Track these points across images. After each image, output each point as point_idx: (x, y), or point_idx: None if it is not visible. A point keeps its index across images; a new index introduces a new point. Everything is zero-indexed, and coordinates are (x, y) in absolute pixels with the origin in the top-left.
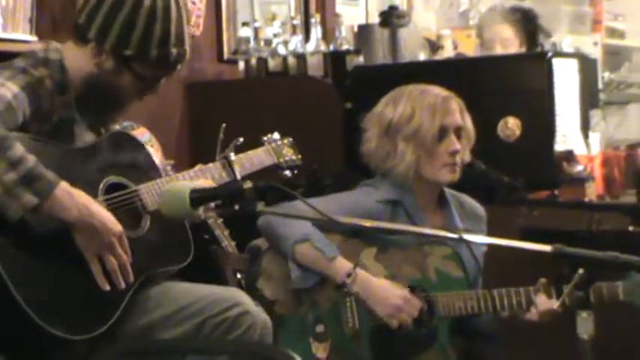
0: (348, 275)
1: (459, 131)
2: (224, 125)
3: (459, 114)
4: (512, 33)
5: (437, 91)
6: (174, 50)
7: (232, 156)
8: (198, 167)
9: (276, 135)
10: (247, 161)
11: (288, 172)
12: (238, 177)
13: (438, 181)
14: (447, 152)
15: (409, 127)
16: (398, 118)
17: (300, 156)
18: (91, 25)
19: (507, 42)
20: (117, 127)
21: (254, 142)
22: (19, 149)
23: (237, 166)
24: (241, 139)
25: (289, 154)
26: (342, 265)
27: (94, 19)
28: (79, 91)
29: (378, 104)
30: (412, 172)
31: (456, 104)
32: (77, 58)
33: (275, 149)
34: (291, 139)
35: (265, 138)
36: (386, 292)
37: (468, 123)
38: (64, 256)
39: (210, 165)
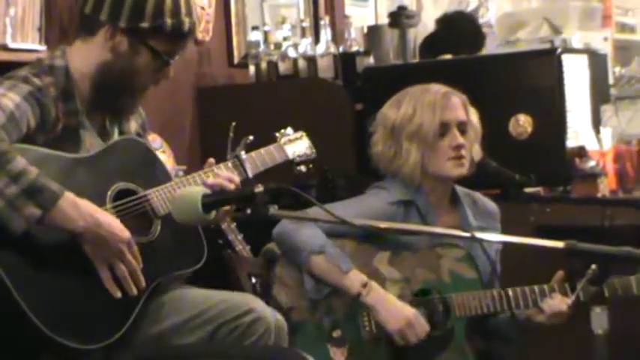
0: (364, 285)
1: (463, 126)
2: (234, 124)
3: (461, 109)
4: None
5: (437, 88)
6: (186, 19)
7: (243, 154)
8: (207, 165)
9: (289, 130)
10: (259, 159)
11: (303, 168)
12: (250, 175)
13: (445, 175)
14: (450, 147)
15: (411, 126)
16: (401, 119)
17: (314, 150)
18: (101, 9)
19: None
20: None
21: (266, 143)
22: (20, 162)
23: (248, 164)
24: (251, 137)
25: (303, 149)
26: (357, 277)
27: (103, 3)
28: (88, 94)
29: (383, 107)
30: (419, 171)
31: (457, 99)
32: (86, 55)
33: (288, 144)
34: (304, 133)
35: (278, 134)
36: (398, 307)
37: (473, 117)
38: (74, 266)
39: (222, 165)
